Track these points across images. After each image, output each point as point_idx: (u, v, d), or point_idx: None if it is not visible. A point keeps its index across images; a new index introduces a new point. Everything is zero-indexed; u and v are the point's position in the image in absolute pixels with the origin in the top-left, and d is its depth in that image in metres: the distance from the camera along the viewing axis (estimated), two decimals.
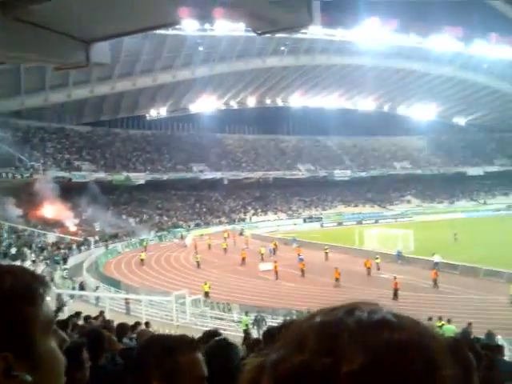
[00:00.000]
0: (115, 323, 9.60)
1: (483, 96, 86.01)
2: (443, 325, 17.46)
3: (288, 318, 20.05)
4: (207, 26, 58.12)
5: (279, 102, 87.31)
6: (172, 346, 1.65)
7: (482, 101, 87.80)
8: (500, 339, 15.60)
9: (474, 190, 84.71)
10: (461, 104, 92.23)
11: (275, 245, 43.36)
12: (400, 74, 79.97)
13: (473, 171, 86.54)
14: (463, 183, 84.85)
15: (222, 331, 17.92)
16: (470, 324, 17.08)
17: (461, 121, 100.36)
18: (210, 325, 21.50)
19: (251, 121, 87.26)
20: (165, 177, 69.18)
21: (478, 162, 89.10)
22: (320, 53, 71.66)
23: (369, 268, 31.82)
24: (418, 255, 35.66)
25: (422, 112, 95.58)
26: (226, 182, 74.40)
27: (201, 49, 62.44)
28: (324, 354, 0.60)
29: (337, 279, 29.02)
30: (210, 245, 47.59)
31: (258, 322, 20.35)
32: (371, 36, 68.72)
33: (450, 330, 17.20)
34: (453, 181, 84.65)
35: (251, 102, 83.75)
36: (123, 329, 7.76)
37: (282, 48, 68.19)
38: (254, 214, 71.23)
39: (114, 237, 52.62)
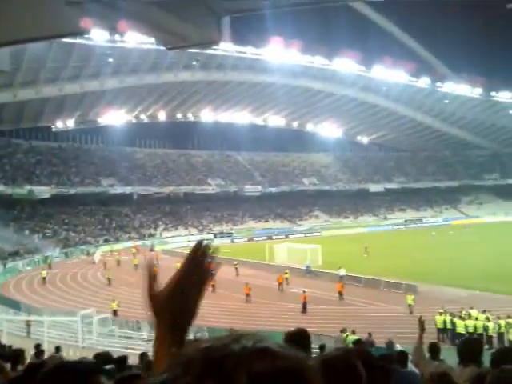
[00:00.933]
0: (14, 347, 8.93)
1: (383, 117, 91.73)
2: (347, 336, 18.08)
3: (199, 334, 19.83)
4: (117, 37, 56.87)
5: (190, 117, 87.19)
6: (77, 373, 1.55)
7: (382, 121, 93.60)
8: (399, 348, 16.45)
9: (376, 205, 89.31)
10: (363, 124, 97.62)
11: None
12: (308, 93, 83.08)
13: (374, 188, 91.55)
14: (366, 199, 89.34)
15: (130, 350, 17.31)
16: (369, 334, 17.91)
17: (364, 139, 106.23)
18: (118, 345, 20.66)
19: (162, 135, 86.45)
20: (72, 191, 66.48)
21: (379, 179, 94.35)
22: (231, 69, 72.75)
23: (280, 283, 32.27)
24: (326, 269, 36.85)
25: (329, 130, 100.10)
26: (136, 196, 72.72)
27: (110, 60, 60.84)
28: (209, 378, 0.64)
29: (247, 295, 29.17)
30: (119, 261, 46.05)
31: None
32: (279, 55, 71.27)
33: (352, 339, 17.92)
34: (357, 197, 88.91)
35: (162, 115, 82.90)
36: (18, 355, 7.19)
37: (194, 63, 68.40)
38: (164, 230, 70.04)
39: (15, 254, 49.35)
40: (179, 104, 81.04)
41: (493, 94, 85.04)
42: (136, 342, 22.05)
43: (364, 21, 68.79)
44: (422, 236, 62.08)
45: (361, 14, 67.83)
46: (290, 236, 67.05)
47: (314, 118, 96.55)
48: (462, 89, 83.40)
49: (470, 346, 3.77)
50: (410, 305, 24.73)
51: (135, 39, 56.85)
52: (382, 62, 77.80)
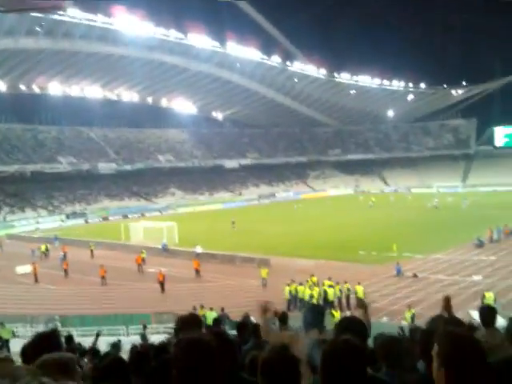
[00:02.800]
0: None
1: (237, 93, 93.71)
2: (206, 313, 18.67)
3: (50, 325, 18.87)
4: None
5: (36, 89, 79.95)
6: None
7: (236, 98, 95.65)
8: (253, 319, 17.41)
9: (231, 181, 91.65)
10: (218, 100, 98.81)
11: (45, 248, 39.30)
12: (162, 67, 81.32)
13: (229, 164, 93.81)
14: (221, 175, 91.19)
15: None
16: (222, 309, 18.78)
17: (219, 115, 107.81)
18: None
19: (3, 108, 78.09)
20: None
21: (233, 156, 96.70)
22: (80, 38, 67.76)
23: (139, 264, 31.78)
24: (183, 247, 37.22)
25: (184, 106, 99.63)
26: None
27: None
28: None
29: (103, 277, 28.39)
30: None
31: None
32: (133, 26, 68.62)
33: (212, 315, 18.61)
34: (212, 173, 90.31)
35: (2, 86, 74.75)
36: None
37: (38, 28, 62.51)
38: (9, 213, 64.20)
39: None
40: (22, 74, 73.67)
41: (335, 74, 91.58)
42: None
43: None
44: (274, 210, 65.50)
45: None
46: (146, 214, 66.25)
47: (169, 94, 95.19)
48: (309, 69, 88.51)
49: (312, 312, 4.12)
50: (263, 278, 26.00)
51: None
52: (236, 40, 79.22)
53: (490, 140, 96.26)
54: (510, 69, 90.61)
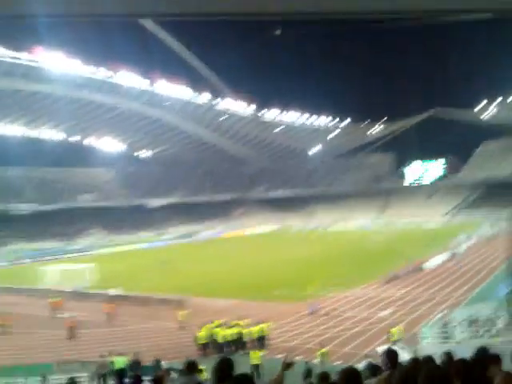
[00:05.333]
0: None
1: (165, 131, 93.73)
2: (113, 360, 17.96)
3: None
4: None
5: None
6: None
7: (165, 136, 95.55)
8: (164, 364, 16.94)
9: (156, 221, 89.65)
10: (146, 138, 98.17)
11: None
12: (90, 105, 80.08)
13: (154, 203, 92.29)
14: (146, 215, 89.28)
15: None
16: (135, 354, 18.12)
17: (146, 154, 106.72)
18: None
19: None
20: None
21: (159, 194, 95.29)
22: (4, 75, 65.33)
23: (53, 308, 30.01)
24: (98, 289, 35.74)
25: (111, 144, 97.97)
26: None
27: None
28: None
29: (2, 326, 26.35)
30: None
31: None
32: (60, 64, 67.31)
33: (121, 362, 17.92)
34: (137, 212, 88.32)
35: None
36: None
37: None
38: None
39: None
40: None
41: (264, 111, 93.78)
42: None
43: (147, 35, 69.49)
44: (196, 250, 64.88)
45: (142, 28, 68.25)
46: (65, 256, 63.05)
47: (96, 132, 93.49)
48: (237, 106, 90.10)
49: (220, 365, 4.00)
50: (180, 320, 25.41)
51: None
52: (166, 77, 79.54)
53: (406, 175, 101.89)
54: (423, 107, 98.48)
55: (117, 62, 74.03)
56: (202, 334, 21.56)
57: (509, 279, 19.15)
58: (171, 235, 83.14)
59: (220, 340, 21.43)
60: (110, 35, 62.82)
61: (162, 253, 58.73)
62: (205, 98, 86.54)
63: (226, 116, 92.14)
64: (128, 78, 76.83)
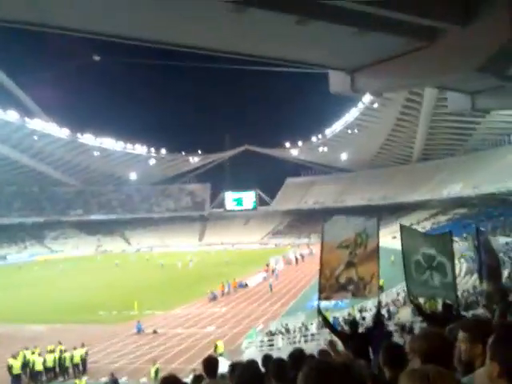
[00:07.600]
0: None
1: None
2: None
3: None
4: None
5: None
6: None
7: None
8: None
9: None
10: None
11: None
12: None
13: None
14: None
15: None
16: None
17: None
18: None
19: None
20: None
21: None
22: None
23: None
24: None
25: None
26: None
27: None
28: None
29: None
30: None
31: None
32: None
33: None
34: None
35: None
36: None
37: None
38: None
39: None
40: None
41: (79, 135, 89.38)
42: None
43: None
44: (5, 274, 58.90)
45: None
46: None
47: None
48: (50, 127, 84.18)
49: None
50: None
51: None
52: None
53: (222, 203, 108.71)
54: (235, 142, 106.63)
55: None
56: (17, 362, 19.62)
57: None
58: None
59: (38, 368, 19.97)
60: None
61: None
62: (12, 116, 77.97)
63: (38, 137, 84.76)
64: None
